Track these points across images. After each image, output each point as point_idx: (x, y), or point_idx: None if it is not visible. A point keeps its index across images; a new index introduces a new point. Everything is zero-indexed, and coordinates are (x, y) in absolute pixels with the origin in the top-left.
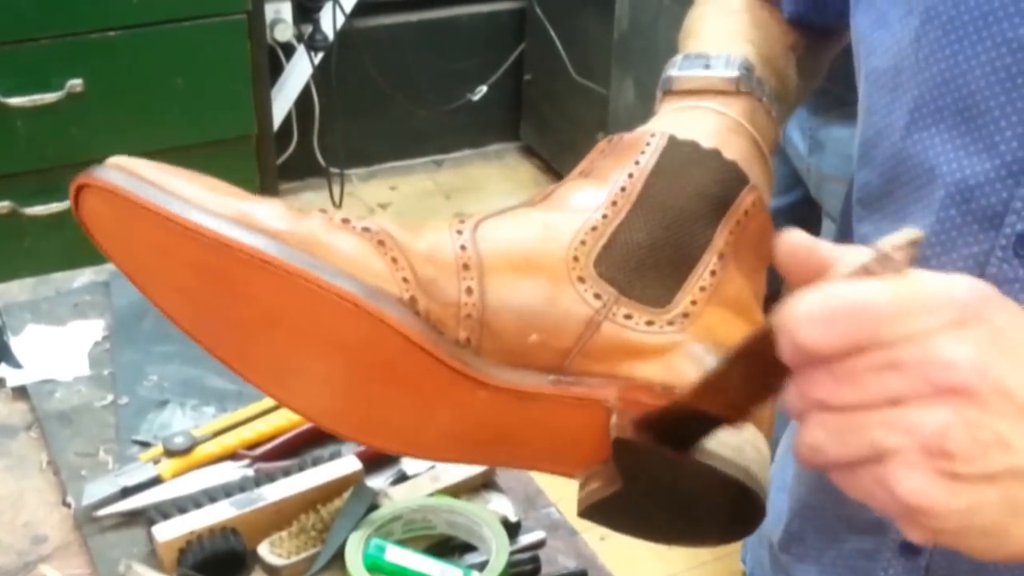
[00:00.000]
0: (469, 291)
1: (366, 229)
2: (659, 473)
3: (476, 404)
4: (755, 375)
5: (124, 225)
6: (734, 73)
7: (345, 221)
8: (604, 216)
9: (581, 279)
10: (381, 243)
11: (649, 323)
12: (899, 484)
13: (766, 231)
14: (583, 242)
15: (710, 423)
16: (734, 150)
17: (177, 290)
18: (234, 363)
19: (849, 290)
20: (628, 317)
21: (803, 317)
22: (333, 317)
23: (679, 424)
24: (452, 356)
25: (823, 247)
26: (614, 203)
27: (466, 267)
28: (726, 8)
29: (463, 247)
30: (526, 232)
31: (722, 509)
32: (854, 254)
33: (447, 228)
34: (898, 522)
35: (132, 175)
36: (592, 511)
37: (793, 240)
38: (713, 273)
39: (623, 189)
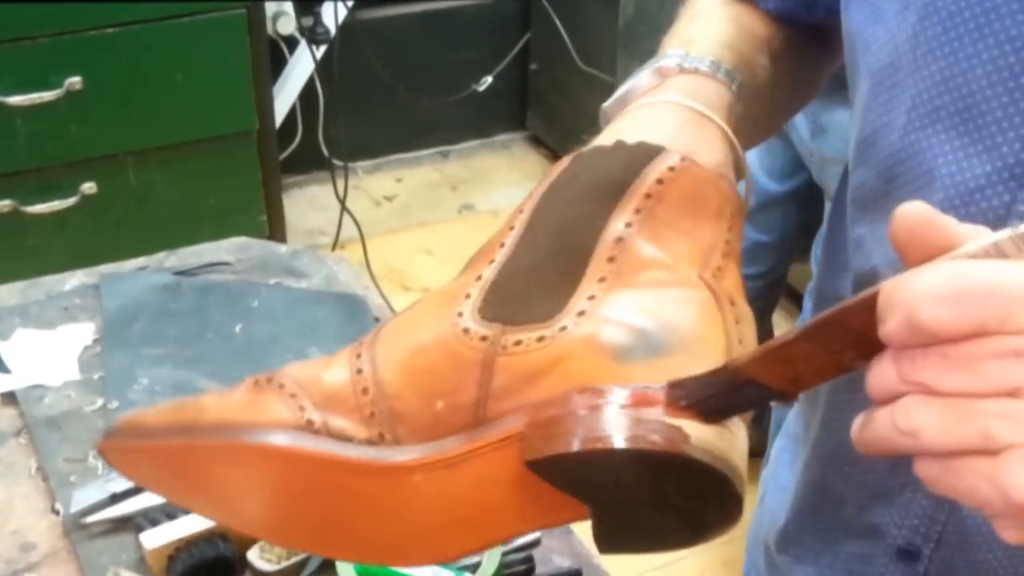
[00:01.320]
0: (363, 384)
1: (271, 381)
2: (598, 475)
3: (418, 490)
4: (833, 348)
5: (156, 467)
6: (670, 63)
7: (262, 382)
8: (491, 261)
9: (465, 330)
10: (281, 386)
11: (540, 339)
12: (1012, 481)
13: (701, 188)
14: (467, 295)
15: (760, 395)
16: (654, 127)
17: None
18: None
19: (981, 270)
20: (518, 343)
21: (927, 294)
22: (256, 468)
23: (723, 395)
24: (365, 455)
25: (945, 221)
26: (502, 244)
27: (358, 355)
28: (693, 13)
29: (358, 353)
30: (413, 309)
31: (696, 498)
32: (981, 233)
33: (348, 351)
34: (997, 521)
35: (140, 430)
36: (601, 543)
37: (912, 212)
38: (611, 260)
39: (511, 228)
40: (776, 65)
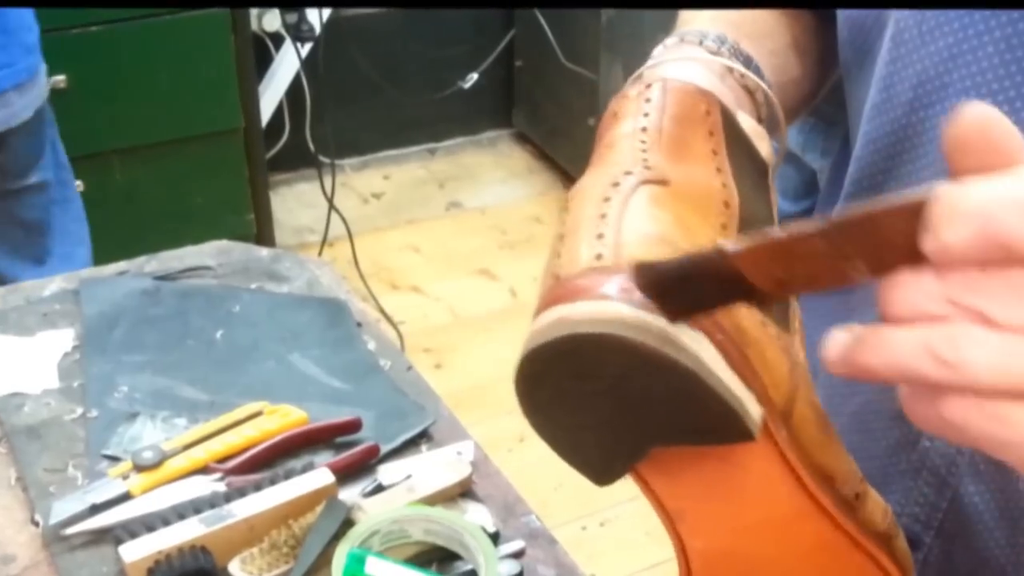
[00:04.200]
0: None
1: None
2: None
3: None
4: (848, 252)
5: None
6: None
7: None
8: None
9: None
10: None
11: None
12: None
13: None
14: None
15: (735, 294)
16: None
17: None
18: None
19: None
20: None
21: (1013, 203)
22: None
23: (696, 286)
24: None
25: (1014, 131)
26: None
27: None
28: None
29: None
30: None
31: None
32: None
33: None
34: None
35: None
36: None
37: (985, 115)
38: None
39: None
40: (802, 50)
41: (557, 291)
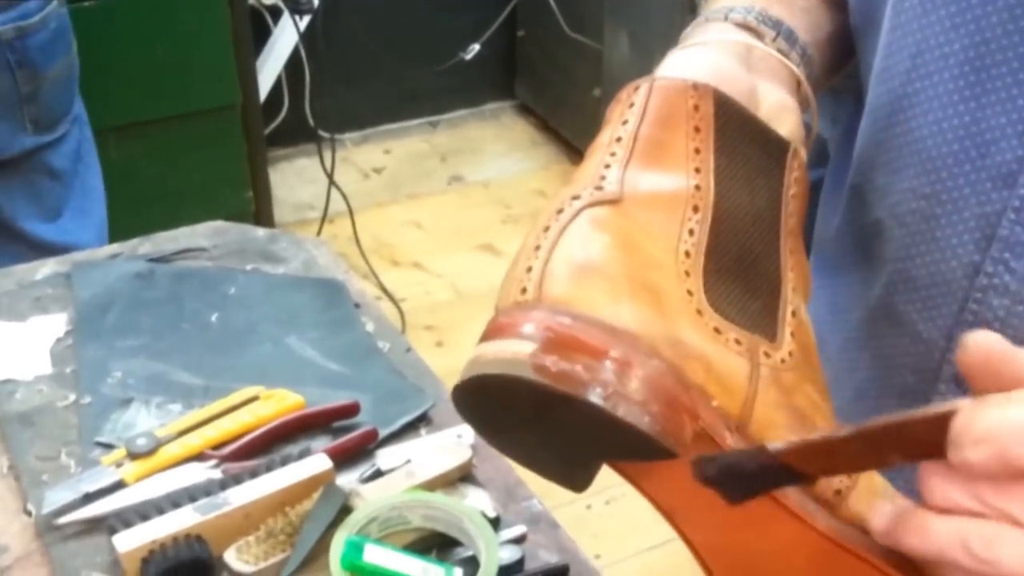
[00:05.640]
0: None
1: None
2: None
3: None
4: (885, 450)
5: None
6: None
7: None
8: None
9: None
10: None
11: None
12: None
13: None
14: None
15: (787, 480)
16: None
17: None
18: None
19: None
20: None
21: (1013, 430)
22: None
23: (751, 476)
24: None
25: (1019, 355)
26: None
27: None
28: None
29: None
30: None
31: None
32: None
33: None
34: None
35: None
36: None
37: (986, 345)
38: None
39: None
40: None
41: (488, 326)
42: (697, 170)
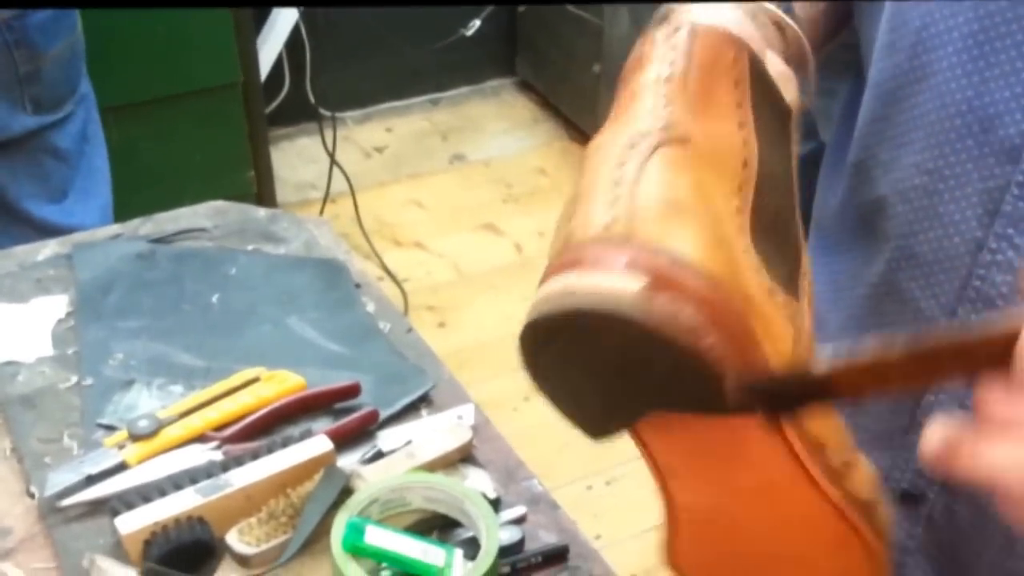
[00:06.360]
0: None
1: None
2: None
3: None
4: (941, 369)
5: None
6: None
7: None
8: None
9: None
10: None
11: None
12: None
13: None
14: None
15: (828, 398)
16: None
17: None
18: None
19: None
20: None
21: None
22: None
23: (796, 395)
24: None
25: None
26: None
27: None
28: None
29: None
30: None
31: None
32: None
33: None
34: None
35: None
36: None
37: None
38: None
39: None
40: None
41: (567, 257)
42: (741, 125)
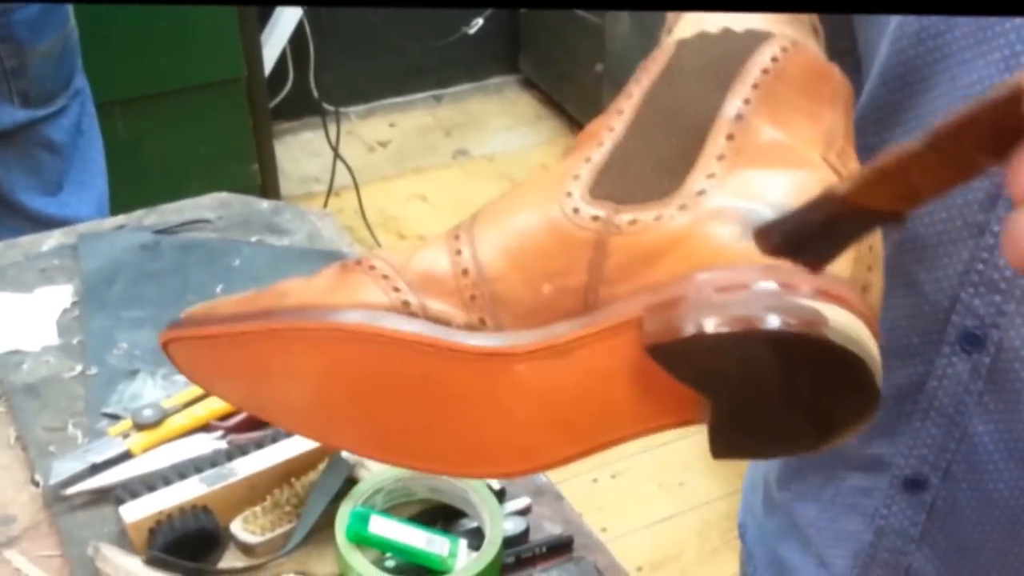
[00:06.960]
0: (463, 266)
1: (359, 264)
2: (727, 363)
3: (519, 382)
4: (965, 152)
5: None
6: None
7: (350, 265)
8: (599, 144)
9: (576, 210)
10: (372, 268)
11: (657, 218)
12: None
13: (816, 70)
14: (576, 176)
15: (868, 223)
16: (754, 20)
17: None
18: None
19: None
20: (633, 223)
21: None
22: (340, 354)
23: (825, 233)
24: (466, 341)
25: None
26: (611, 128)
27: (456, 237)
28: None
29: (456, 235)
30: (515, 191)
31: (828, 393)
32: None
33: (445, 233)
34: None
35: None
36: (718, 445)
37: None
38: (730, 137)
39: (620, 112)
40: None
41: (770, 278)
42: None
